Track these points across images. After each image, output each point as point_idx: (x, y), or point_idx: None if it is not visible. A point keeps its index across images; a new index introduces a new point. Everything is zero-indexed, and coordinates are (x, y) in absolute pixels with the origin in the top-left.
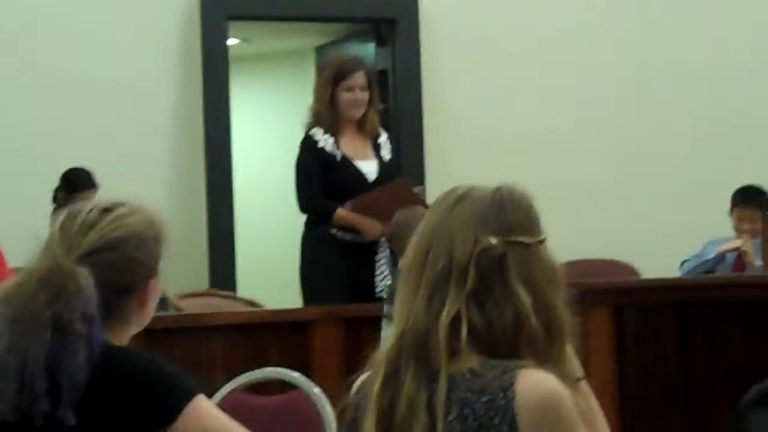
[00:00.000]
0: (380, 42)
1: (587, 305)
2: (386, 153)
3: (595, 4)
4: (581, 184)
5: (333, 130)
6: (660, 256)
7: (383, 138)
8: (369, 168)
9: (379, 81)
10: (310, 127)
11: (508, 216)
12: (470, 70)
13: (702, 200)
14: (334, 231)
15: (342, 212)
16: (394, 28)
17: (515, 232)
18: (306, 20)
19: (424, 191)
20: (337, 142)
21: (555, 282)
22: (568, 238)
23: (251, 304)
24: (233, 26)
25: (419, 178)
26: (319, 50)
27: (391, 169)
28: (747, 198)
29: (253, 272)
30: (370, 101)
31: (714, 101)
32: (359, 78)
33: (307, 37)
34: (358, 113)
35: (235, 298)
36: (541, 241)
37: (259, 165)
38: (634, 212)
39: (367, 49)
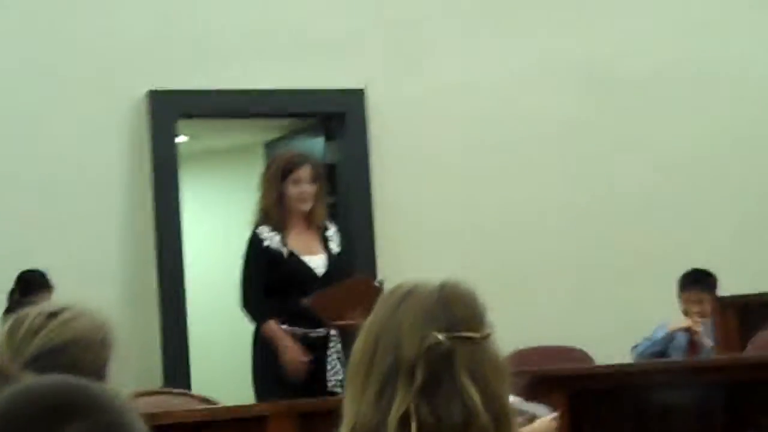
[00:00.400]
0: (329, 136)
1: (543, 392)
2: (335, 246)
3: (541, 88)
4: (533, 271)
5: (280, 226)
6: (611, 341)
7: (331, 231)
8: (317, 263)
9: (329, 175)
10: (258, 224)
11: (455, 312)
12: (419, 161)
13: (653, 283)
14: (284, 326)
15: (271, 326)
16: (343, 122)
17: (462, 327)
18: (254, 117)
19: (383, 283)
20: (284, 238)
21: (503, 375)
22: (520, 325)
23: (206, 401)
24: (182, 124)
25: (370, 270)
26: (268, 146)
27: (342, 262)
28: (693, 281)
29: (207, 369)
30: (318, 195)
31: (663, 185)
32: (306, 171)
33: (255, 133)
34: (306, 207)
35: (189, 395)
36: (488, 336)
37: (211, 261)
38: (585, 298)
39: (316, 144)
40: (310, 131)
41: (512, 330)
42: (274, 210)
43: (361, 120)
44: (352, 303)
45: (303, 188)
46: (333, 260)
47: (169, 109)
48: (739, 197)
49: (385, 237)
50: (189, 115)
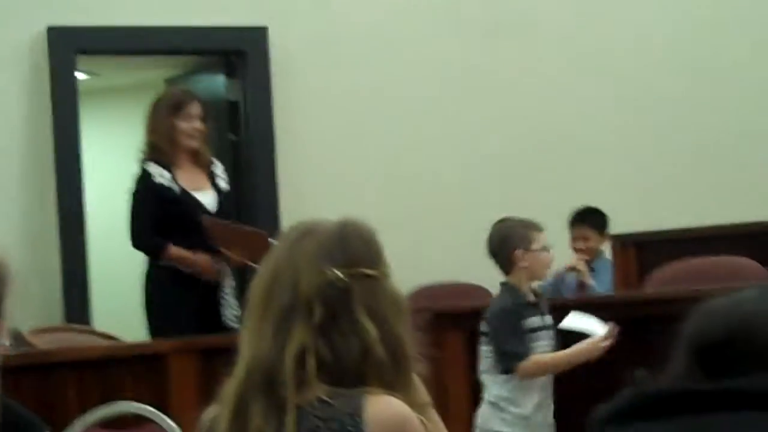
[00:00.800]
0: (231, 74)
1: (441, 329)
2: (223, 183)
3: (444, 36)
4: (433, 208)
5: (170, 163)
6: None
7: (218, 168)
8: (208, 199)
9: (231, 113)
10: (146, 161)
11: (353, 250)
12: (321, 100)
13: (556, 224)
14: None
15: (173, 249)
16: (245, 60)
17: (359, 265)
18: (155, 54)
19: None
20: (173, 175)
21: (400, 312)
22: (419, 263)
23: (108, 337)
24: (82, 60)
25: (272, 209)
26: (169, 83)
27: (230, 199)
28: (579, 218)
29: (109, 307)
30: (205, 133)
31: (556, 123)
32: (196, 108)
33: (156, 70)
34: (196, 143)
35: (91, 332)
36: (385, 273)
37: (111, 198)
38: (484, 234)
39: (218, 81)
40: (212, 68)
41: (413, 268)
42: (164, 145)
43: (263, 58)
44: (242, 246)
45: (194, 124)
46: (222, 197)
47: (69, 46)
48: (634, 140)
49: (287, 176)
50: (89, 52)
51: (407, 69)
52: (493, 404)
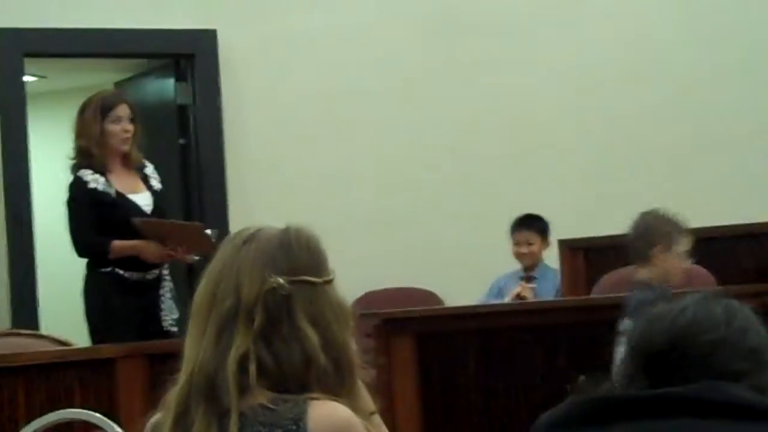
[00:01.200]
0: (180, 77)
1: (389, 335)
2: (156, 183)
3: (391, 34)
4: (382, 214)
5: (102, 168)
6: (461, 281)
7: (150, 169)
8: (144, 201)
9: (180, 116)
10: (77, 167)
11: (295, 257)
12: (270, 103)
13: (501, 229)
14: (120, 272)
15: (117, 242)
16: (193, 64)
17: (302, 272)
18: (104, 56)
19: (216, 234)
20: (107, 179)
21: (343, 319)
22: (369, 268)
23: (56, 342)
24: (29, 63)
25: (221, 213)
26: (118, 86)
27: (164, 199)
28: (522, 224)
29: (56, 311)
30: (135, 134)
31: (512, 133)
32: (124, 110)
33: (105, 73)
34: (126, 146)
35: (39, 336)
36: (328, 281)
37: (59, 202)
38: (433, 239)
39: (167, 84)
40: (162, 71)
41: (362, 274)
42: (95, 150)
43: (212, 61)
44: (178, 240)
45: (124, 126)
46: (157, 197)
47: (16, 48)
48: (578, 145)
49: (236, 179)
50: (37, 54)
51: (356, 71)
52: None
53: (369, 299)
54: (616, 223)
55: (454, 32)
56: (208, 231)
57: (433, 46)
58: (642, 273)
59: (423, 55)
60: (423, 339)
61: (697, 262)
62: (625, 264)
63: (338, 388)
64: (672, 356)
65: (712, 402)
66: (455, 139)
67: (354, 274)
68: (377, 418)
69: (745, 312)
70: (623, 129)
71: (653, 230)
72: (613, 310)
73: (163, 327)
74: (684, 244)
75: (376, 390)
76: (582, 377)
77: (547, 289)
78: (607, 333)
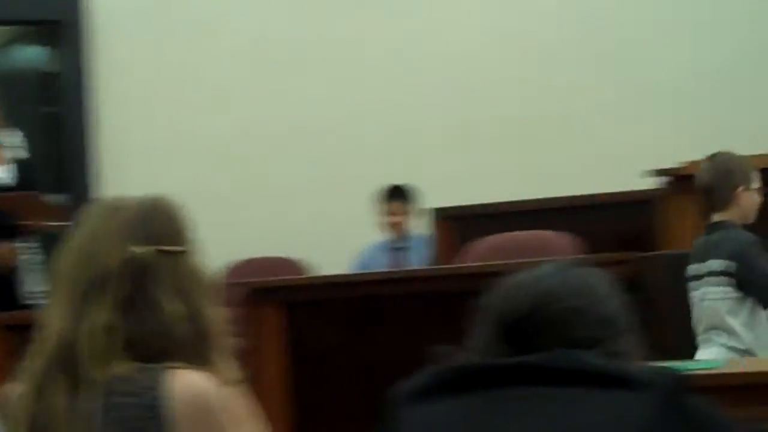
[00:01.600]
0: (48, 44)
1: (257, 304)
2: (21, 152)
3: (264, 5)
4: (254, 184)
5: None
6: (328, 252)
7: (11, 139)
8: (3, 173)
9: (49, 84)
10: None
11: (156, 226)
12: (140, 70)
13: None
14: None
15: None
16: (60, 30)
17: (162, 242)
18: None
19: (65, 200)
20: None
21: (204, 289)
22: (238, 237)
23: None
24: None
25: (93, 182)
26: None
27: (30, 168)
28: (391, 194)
29: None
30: None
31: (376, 99)
32: None
33: None
34: None
35: None
36: (188, 250)
37: None
38: (303, 209)
39: (35, 52)
40: (29, 39)
41: (229, 243)
42: None
43: (79, 28)
44: (23, 212)
45: None
46: (20, 167)
47: None
48: (442, 116)
49: (105, 148)
50: None
51: (229, 39)
52: (745, 352)
53: (238, 269)
54: (482, 192)
55: (322, 6)
56: (55, 198)
57: (302, 18)
58: (722, 216)
59: (294, 26)
60: (292, 308)
61: (565, 229)
62: (497, 232)
63: (200, 357)
64: (527, 325)
65: (566, 370)
66: (322, 109)
67: (222, 244)
68: (242, 387)
69: (601, 280)
70: (485, 99)
71: (733, 172)
72: (488, 277)
73: (21, 300)
74: (757, 179)
75: (244, 360)
76: (441, 346)
77: (419, 258)
78: (473, 302)
